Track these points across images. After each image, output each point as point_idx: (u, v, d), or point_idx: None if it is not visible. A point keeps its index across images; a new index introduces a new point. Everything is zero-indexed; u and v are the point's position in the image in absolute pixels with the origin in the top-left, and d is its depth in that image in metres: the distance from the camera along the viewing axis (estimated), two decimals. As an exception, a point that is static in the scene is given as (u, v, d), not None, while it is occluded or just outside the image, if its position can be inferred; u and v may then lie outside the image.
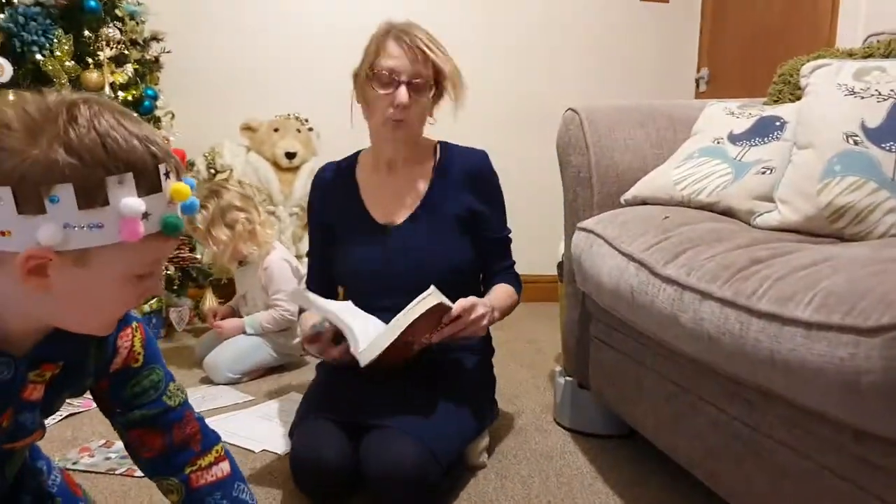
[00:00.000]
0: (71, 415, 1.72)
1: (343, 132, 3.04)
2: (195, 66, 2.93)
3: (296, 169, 2.96)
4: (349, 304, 1.47)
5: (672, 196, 1.46)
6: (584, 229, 1.50)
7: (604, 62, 3.38)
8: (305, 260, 2.94)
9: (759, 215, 1.29)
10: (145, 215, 0.68)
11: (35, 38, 2.07)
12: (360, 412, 1.32)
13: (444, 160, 1.57)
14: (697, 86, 3.37)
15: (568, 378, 1.71)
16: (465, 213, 1.52)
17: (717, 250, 1.12)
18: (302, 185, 2.96)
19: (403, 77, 1.42)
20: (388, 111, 1.44)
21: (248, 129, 2.94)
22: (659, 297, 1.15)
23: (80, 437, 1.59)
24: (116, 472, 1.40)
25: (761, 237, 1.16)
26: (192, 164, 2.65)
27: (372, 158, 1.60)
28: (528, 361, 2.31)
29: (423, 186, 1.54)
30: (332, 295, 1.61)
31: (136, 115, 0.74)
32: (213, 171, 2.83)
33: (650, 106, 1.74)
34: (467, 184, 1.54)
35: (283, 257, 2.23)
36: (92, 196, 0.65)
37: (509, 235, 1.63)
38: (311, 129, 3.02)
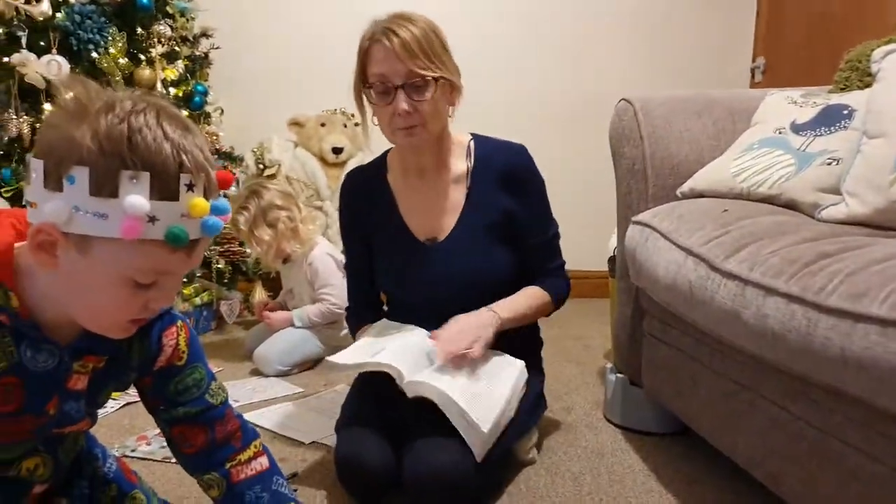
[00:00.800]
0: (128, 403, 1.76)
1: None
2: (243, 61, 2.96)
3: (343, 164, 2.97)
4: (383, 323, 1.47)
5: (731, 188, 1.41)
6: (639, 223, 1.47)
7: (654, 52, 3.30)
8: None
9: (823, 208, 1.24)
10: (152, 219, 0.67)
11: (91, 35, 2.11)
12: (400, 412, 1.31)
13: (479, 161, 1.47)
14: (752, 76, 3.27)
15: (619, 375, 1.68)
16: (502, 218, 1.45)
17: (781, 244, 1.08)
18: (348, 179, 2.98)
19: (397, 81, 1.31)
20: (394, 121, 1.35)
21: (295, 124, 2.97)
22: (719, 292, 1.11)
23: (136, 426, 1.62)
24: (172, 461, 1.42)
25: (828, 231, 1.12)
26: (240, 160, 2.69)
27: (400, 164, 1.51)
28: (576, 358, 2.28)
29: (459, 195, 1.46)
30: (376, 303, 1.59)
31: (190, 125, 0.72)
32: (261, 166, 2.86)
33: (707, 96, 1.69)
34: (504, 184, 1.44)
35: (326, 252, 2.24)
36: (103, 185, 0.66)
37: (556, 233, 1.55)
38: (357, 125, 3.02)
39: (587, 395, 1.90)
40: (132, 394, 1.78)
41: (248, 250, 2.50)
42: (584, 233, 2.75)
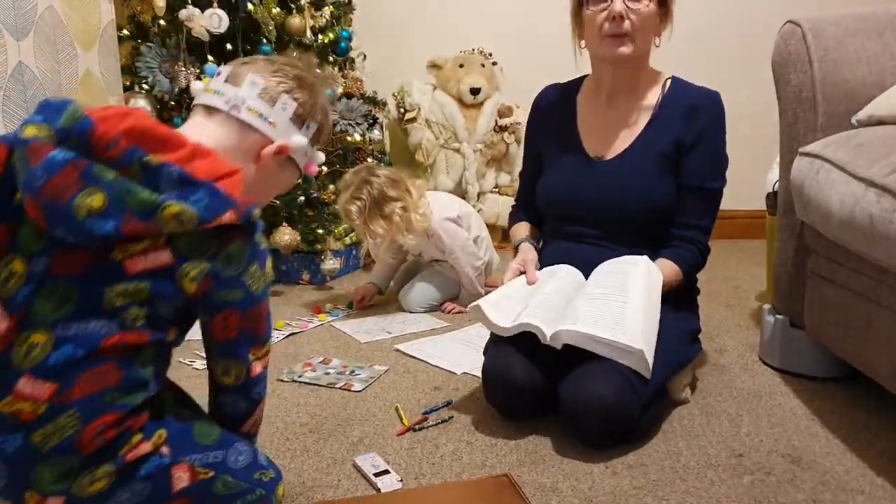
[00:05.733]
0: (292, 334, 1.90)
1: (526, 65, 3.00)
2: (385, 6, 2.99)
3: (480, 105, 2.98)
4: (522, 281, 1.45)
5: (919, 114, 1.28)
6: (808, 154, 1.37)
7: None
8: (489, 196, 3.00)
9: None
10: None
11: (247, -13, 2.22)
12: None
13: (670, 96, 1.47)
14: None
15: (778, 316, 1.60)
16: (671, 150, 1.43)
17: None
18: (486, 121, 2.98)
19: None
20: (605, 27, 1.38)
21: (434, 66, 2.99)
22: (907, 225, 1.02)
23: (301, 354, 1.75)
24: (336, 386, 1.53)
25: None
26: (383, 104, 2.75)
27: (593, 86, 1.55)
28: (726, 300, 2.20)
29: (640, 123, 1.47)
30: (534, 210, 1.62)
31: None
32: (402, 110, 2.93)
33: (889, 12, 1.52)
34: (684, 117, 1.44)
35: (442, 217, 2.10)
36: (316, 140, 1.01)
37: (712, 189, 1.45)
38: (494, 64, 3.01)
39: (740, 337, 1.83)
40: (294, 326, 1.94)
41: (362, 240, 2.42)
42: (734, 169, 2.61)
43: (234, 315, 0.86)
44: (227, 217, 0.81)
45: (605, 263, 1.40)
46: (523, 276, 1.47)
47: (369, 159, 2.54)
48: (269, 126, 0.93)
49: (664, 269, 1.42)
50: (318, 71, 1.03)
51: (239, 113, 0.91)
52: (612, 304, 1.28)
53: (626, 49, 1.40)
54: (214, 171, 0.84)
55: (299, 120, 0.95)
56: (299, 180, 1.09)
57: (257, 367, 0.91)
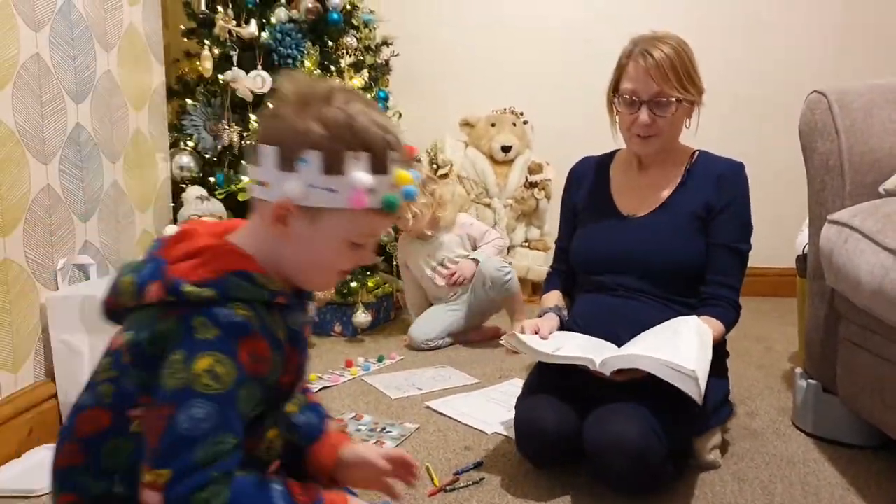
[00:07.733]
0: (324, 388, 1.94)
1: (556, 124, 3.08)
2: (419, 67, 3.10)
3: (510, 162, 3.04)
4: (556, 335, 1.47)
5: (948, 185, 1.30)
6: (836, 222, 1.39)
7: (849, 39, 3.06)
8: (519, 250, 3.04)
9: None
10: (371, 190, 0.79)
11: (290, 51, 2.33)
12: (585, 381, 1.34)
13: (698, 165, 1.56)
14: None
15: (811, 381, 1.59)
16: (702, 211, 1.50)
17: None
18: (516, 177, 3.04)
19: (644, 97, 1.46)
20: (634, 128, 1.50)
21: (466, 124, 3.08)
22: (937, 299, 1.04)
23: (332, 409, 1.78)
24: (370, 442, 1.55)
25: None
26: (417, 160, 2.83)
27: (626, 157, 1.64)
28: (758, 361, 2.18)
29: (671, 187, 1.55)
30: (569, 275, 1.66)
31: (379, 107, 0.85)
32: (435, 165, 3.00)
33: (916, 83, 1.55)
34: (713, 183, 1.51)
35: (467, 217, 2.59)
36: (333, 165, 0.79)
37: (741, 250, 1.50)
38: (525, 122, 3.09)
39: (772, 401, 1.82)
40: (325, 379, 1.98)
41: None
42: (764, 228, 2.62)
43: (146, 406, 0.78)
44: (154, 289, 0.79)
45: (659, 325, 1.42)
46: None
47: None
48: (264, 189, 0.81)
49: (710, 325, 1.44)
50: (309, 85, 0.84)
51: (252, 192, 0.84)
52: (667, 336, 1.31)
53: (652, 147, 1.52)
54: (185, 251, 0.81)
55: (284, 161, 0.79)
56: (388, 222, 0.88)
57: (148, 496, 0.73)
